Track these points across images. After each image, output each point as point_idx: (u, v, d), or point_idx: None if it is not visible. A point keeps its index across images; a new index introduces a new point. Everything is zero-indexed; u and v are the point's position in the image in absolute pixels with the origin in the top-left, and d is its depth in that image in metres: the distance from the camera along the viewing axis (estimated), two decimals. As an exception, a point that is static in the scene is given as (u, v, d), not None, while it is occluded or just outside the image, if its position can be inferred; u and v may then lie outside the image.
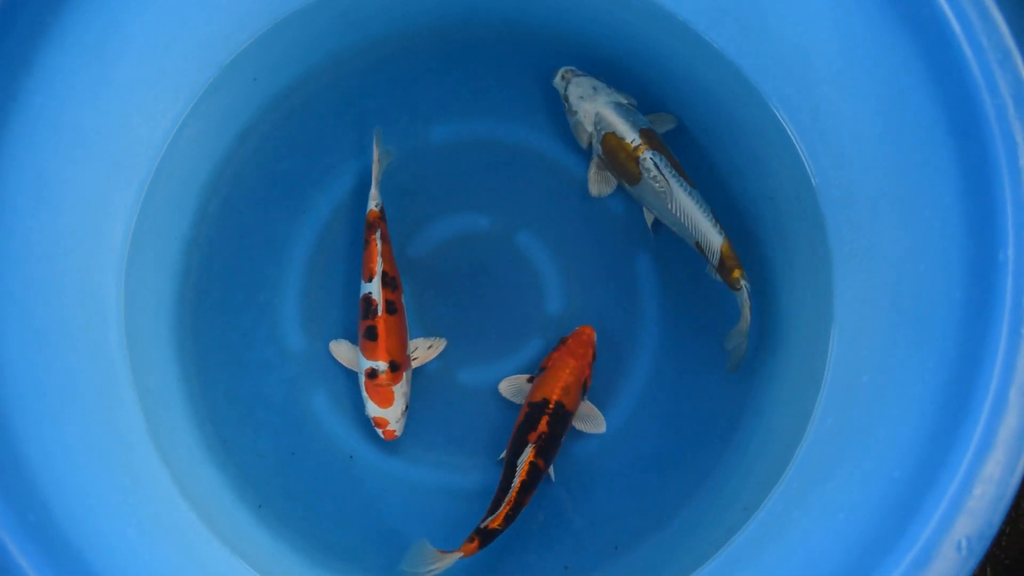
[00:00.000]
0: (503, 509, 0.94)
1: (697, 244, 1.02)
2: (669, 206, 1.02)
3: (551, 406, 0.99)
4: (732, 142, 1.06)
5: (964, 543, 0.67)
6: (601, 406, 1.07)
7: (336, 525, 1.04)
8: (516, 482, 0.95)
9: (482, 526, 0.93)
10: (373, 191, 1.05)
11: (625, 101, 1.07)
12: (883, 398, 0.84)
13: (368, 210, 1.04)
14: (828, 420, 0.94)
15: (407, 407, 1.01)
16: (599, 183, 1.10)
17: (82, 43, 0.87)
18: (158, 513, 0.90)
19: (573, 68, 1.10)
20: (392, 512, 1.04)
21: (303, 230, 1.11)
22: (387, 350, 0.99)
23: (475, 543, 0.93)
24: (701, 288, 1.09)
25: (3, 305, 0.80)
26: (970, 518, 0.67)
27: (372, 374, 0.99)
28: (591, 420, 1.04)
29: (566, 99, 1.09)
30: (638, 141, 1.04)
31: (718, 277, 1.02)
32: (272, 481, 1.04)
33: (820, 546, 0.77)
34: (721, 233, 1.00)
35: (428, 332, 1.08)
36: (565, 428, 1.00)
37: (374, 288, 1.00)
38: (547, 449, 0.97)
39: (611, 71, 1.12)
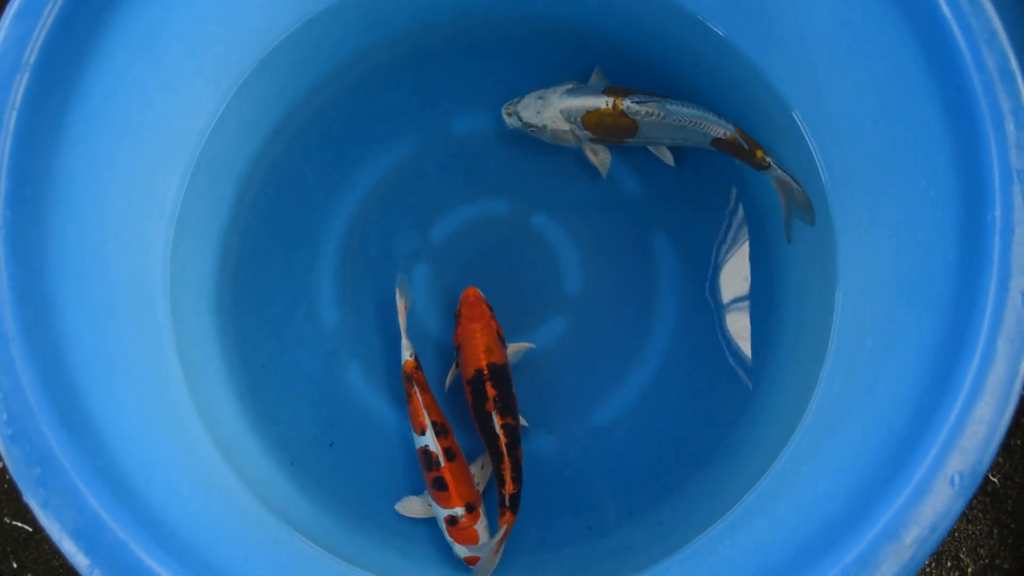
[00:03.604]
0: (507, 474, 0.99)
1: (714, 141, 1.07)
2: (677, 122, 1.06)
3: (485, 372, 1.02)
4: (740, 125, 1.10)
5: (957, 479, 0.71)
6: (621, 378, 1.11)
7: (370, 492, 1.08)
8: (502, 448, 0.99)
9: (502, 496, 0.99)
10: (404, 341, 1.05)
11: (571, 86, 1.11)
12: (885, 358, 0.88)
13: (403, 361, 1.05)
14: (834, 382, 0.98)
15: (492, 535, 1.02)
16: (603, 164, 1.14)
17: (133, 39, 0.92)
18: (206, 474, 0.95)
19: (508, 101, 1.13)
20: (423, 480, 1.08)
21: (335, 215, 1.16)
22: (460, 496, 1.00)
23: (508, 514, 0.98)
24: (716, 263, 1.14)
25: (66, 280, 0.85)
26: (962, 456, 0.72)
27: (452, 521, 1.00)
28: (520, 351, 1.09)
29: (529, 126, 1.11)
30: (611, 99, 1.08)
31: (748, 163, 1.07)
32: (310, 450, 1.09)
33: (826, 492, 0.81)
34: (729, 121, 1.05)
35: (450, 311, 1.12)
36: (509, 380, 1.04)
37: (429, 441, 1.01)
38: (507, 406, 1.01)
39: (621, 59, 1.16)
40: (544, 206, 1.17)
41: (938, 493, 0.71)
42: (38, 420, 0.74)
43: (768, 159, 1.05)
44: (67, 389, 0.79)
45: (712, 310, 1.13)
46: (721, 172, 1.15)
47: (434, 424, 1.01)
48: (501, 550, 0.98)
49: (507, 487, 0.98)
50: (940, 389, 0.75)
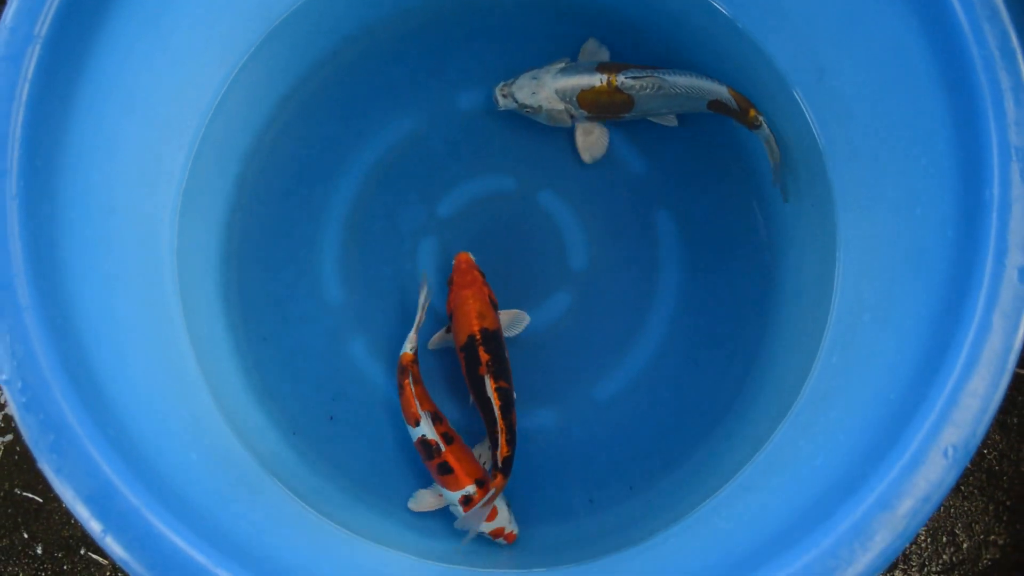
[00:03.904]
0: (501, 437, 1.00)
1: (711, 104, 1.08)
2: (672, 92, 1.07)
3: (478, 337, 1.03)
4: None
5: (950, 451, 0.73)
6: (623, 352, 1.13)
7: (372, 464, 1.10)
8: (496, 411, 1.00)
9: (495, 458, 1.00)
10: (411, 334, 1.05)
11: (563, 64, 1.12)
12: (883, 332, 0.89)
13: (402, 352, 1.05)
14: (833, 357, 0.99)
15: (508, 503, 1.04)
16: (589, 149, 1.14)
17: (142, 13, 0.93)
18: (214, 443, 0.97)
19: (501, 82, 1.13)
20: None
21: (339, 190, 1.17)
22: (467, 474, 1.01)
23: (499, 477, 0.99)
24: (718, 240, 1.15)
25: (76, 251, 0.86)
26: (956, 428, 0.73)
27: (467, 501, 1.01)
28: (516, 322, 1.10)
29: (524, 107, 1.12)
30: (605, 76, 1.08)
31: (741, 122, 1.09)
32: (313, 423, 1.11)
33: (824, 464, 0.83)
34: (722, 83, 1.07)
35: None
36: (502, 345, 1.05)
37: (425, 430, 1.01)
38: (501, 371, 1.03)
39: (626, 36, 1.16)
40: (549, 182, 1.18)
41: (932, 465, 0.73)
42: (52, 388, 0.76)
43: (760, 118, 1.07)
44: (79, 358, 0.80)
45: (713, 285, 1.14)
46: (724, 149, 1.16)
47: (427, 413, 1.02)
48: (490, 511, 1.00)
49: (501, 450, 0.99)
50: (936, 363, 0.77)
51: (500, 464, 0.99)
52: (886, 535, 0.72)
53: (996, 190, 0.77)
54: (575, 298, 1.15)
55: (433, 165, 1.18)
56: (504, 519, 1.02)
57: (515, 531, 1.03)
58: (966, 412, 0.73)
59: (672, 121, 1.14)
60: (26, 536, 1.28)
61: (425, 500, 1.05)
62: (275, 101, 1.18)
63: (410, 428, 1.03)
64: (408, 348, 1.05)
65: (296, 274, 1.16)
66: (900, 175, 0.92)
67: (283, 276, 1.15)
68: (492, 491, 0.98)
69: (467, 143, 1.19)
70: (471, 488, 1.01)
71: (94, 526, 0.72)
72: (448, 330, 1.09)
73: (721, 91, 1.07)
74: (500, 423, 1.00)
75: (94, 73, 0.90)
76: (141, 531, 0.73)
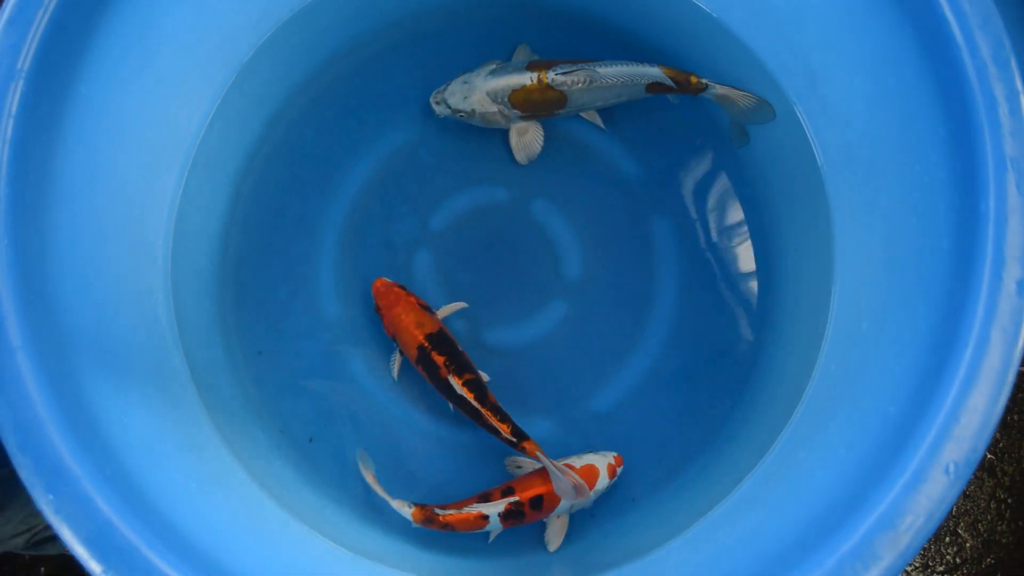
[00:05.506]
0: (493, 420, 1.01)
1: (649, 87, 1.07)
2: (606, 83, 1.06)
3: (426, 344, 1.04)
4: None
5: (952, 467, 0.72)
6: (621, 363, 1.12)
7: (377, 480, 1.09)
8: (473, 403, 1.02)
9: (508, 440, 1.01)
10: (395, 504, 1.03)
11: (494, 66, 1.11)
12: (880, 344, 0.89)
13: (411, 516, 1.02)
14: (832, 366, 0.99)
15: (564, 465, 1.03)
16: (524, 149, 1.14)
17: (125, 37, 0.92)
18: (214, 471, 0.96)
19: (435, 89, 1.13)
20: (427, 465, 1.11)
21: (333, 206, 1.16)
22: (546, 483, 1.01)
23: (529, 444, 1.01)
24: (713, 248, 1.14)
25: (68, 285, 0.85)
26: (956, 445, 0.73)
27: (581, 489, 1.01)
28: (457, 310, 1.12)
29: (457, 112, 1.11)
30: (535, 74, 1.08)
31: (687, 92, 1.07)
32: (314, 442, 1.10)
33: (824, 479, 0.82)
34: (654, 64, 1.05)
35: (452, 298, 1.13)
36: (452, 341, 1.06)
37: (496, 510, 1.01)
38: (460, 365, 1.04)
39: (615, 43, 1.16)
40: (542, 191, 1.17)
41: (933, 482, 0.72)
42: (47, 428, 0.75)
43: (703, 80, 1.05)
44: (74, 395, 0.80)
45: (709, 294, 1.14)
46: (718, 155, 1.15)
47: (480, 504, 1.01)
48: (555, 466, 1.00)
49: (502, 430, 1.01)
50: (935, 378, 0.76)
51: (515, 436, 1.01)
52: (889, 553, 0.72)
53: (992, 201, 0.77)
54: (571, 308, 1.15)
55: (425, 178, 1.18)
56: (601, 477, 1.03)
57: (606, 463, 1.04)
58: (967, 428, 0.73)
59: (598, 122, 1.13)
60: (28, 559, 1.28)
61: (554, 532, 1.05)
62: (266, 119, 1.17)
63: (489, 527, 1.02)
64: (408, 511, 1.03)
65: (292, 290, 1.15)
66: (895, 185, 0.91)
67: (279, 293, 1.15)
68: (540, 455, 0.99)
69: (458, 155, 1.18)
70: (568, 488, 1.01)
71: (93, 567, 0.72)
72: (401, 352, 1.09)
73: (655, 72, 1.05)
74: (483, 411, 1.02)
75: (79, 102, 0.89)
76: (141, 570, 0.73)
